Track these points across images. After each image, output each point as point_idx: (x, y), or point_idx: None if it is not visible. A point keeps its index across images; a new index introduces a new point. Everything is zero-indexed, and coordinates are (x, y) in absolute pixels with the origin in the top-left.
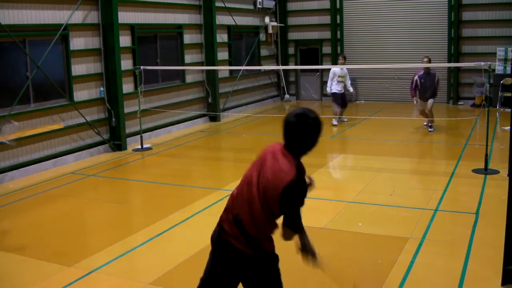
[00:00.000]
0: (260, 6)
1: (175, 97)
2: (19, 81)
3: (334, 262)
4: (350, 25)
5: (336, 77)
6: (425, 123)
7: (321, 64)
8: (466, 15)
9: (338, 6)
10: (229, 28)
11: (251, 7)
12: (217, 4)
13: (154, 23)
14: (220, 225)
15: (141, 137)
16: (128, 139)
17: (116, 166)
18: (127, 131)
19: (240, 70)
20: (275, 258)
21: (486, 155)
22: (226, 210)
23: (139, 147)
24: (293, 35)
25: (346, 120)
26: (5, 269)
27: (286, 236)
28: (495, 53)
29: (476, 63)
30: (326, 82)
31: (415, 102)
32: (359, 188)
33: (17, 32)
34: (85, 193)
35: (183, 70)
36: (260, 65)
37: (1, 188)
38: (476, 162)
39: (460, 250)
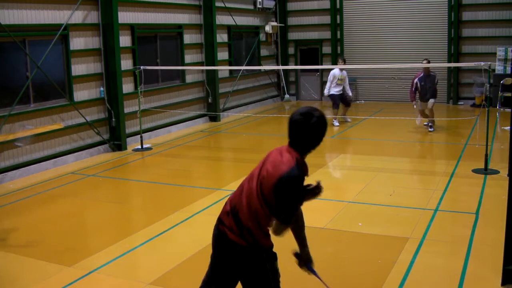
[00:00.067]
0: (260, 6)
1: (175, 97)
2: (19, 81)
3: (334, 262)
4: (350, 25)
5: (336, 80)
6: (425, 123)
7: (321, 64)
8: (466, 15)
9: (338, 6)
10: (229, 28)
11: (251, 7)
12: (217, 4)
13: (154, 23)
14: (219, 218)
15: (141, 137)
16: (128, 139)
17: (116, 166)
18: (127, 131)
19: (240, 70)
20: (272, 255)
21: (486, 155)
22: (226, 203)
23: (139, 147)
24: (293, 35)
25: (349, 120)
26: (5, 269)
27: (276, 228)
28: (495, 53)
29: (476, 63)
30: (326, 82)
31: (414, 106)
32: (359, 188)
33: (17, 32)
34: (85, 193)
35: (183, 70)
36: (260, 65)
37: (1, 188)
38: (476, 162)
39: (460, 250)
